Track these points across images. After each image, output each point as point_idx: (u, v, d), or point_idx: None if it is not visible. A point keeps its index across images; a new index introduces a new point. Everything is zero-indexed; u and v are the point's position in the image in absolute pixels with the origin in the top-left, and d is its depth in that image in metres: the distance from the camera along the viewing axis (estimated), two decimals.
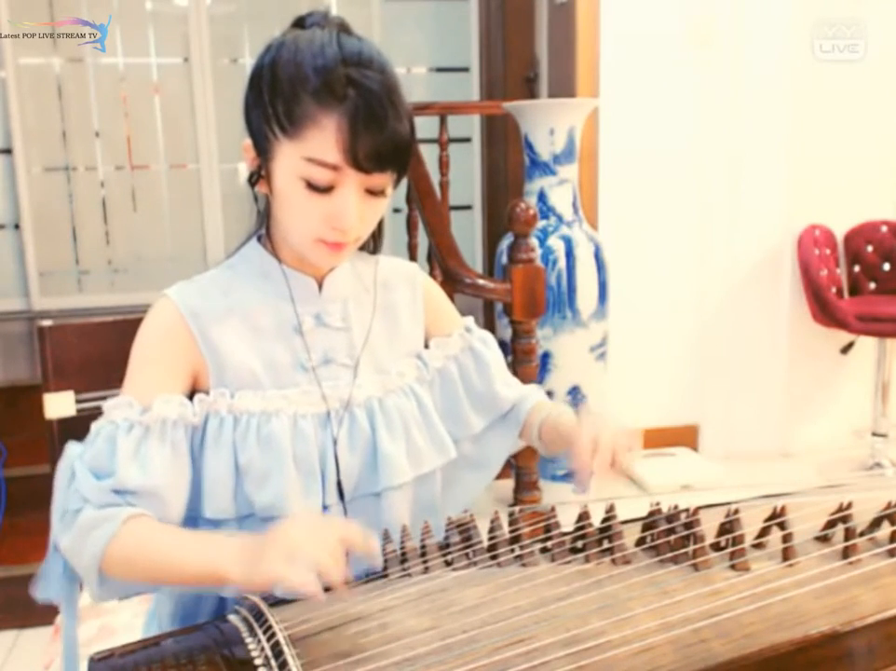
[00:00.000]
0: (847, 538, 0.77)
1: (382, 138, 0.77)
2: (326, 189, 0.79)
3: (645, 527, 0.80)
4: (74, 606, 0.93)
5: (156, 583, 0.79)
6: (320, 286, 0.90)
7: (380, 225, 0.93)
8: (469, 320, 1.04)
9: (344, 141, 0.76)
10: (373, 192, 0.82)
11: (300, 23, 0.85)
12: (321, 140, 0.77)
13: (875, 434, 2.83)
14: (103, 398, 1.03)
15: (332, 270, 0.90)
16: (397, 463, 0.89)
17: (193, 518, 0.85)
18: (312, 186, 0.79)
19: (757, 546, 0.78)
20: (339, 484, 0.88)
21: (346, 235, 0.82)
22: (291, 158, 0.79)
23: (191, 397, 0.85)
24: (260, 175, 0.85)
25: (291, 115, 0.78)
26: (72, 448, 0.82)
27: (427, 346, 0.99)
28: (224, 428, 0.84)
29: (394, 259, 1.01)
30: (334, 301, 0.91)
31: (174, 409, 0.81)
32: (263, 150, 0.83)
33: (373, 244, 0.96)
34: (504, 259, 2.15)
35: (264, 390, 0.85)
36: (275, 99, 0.79)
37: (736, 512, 0.79)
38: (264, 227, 0.90)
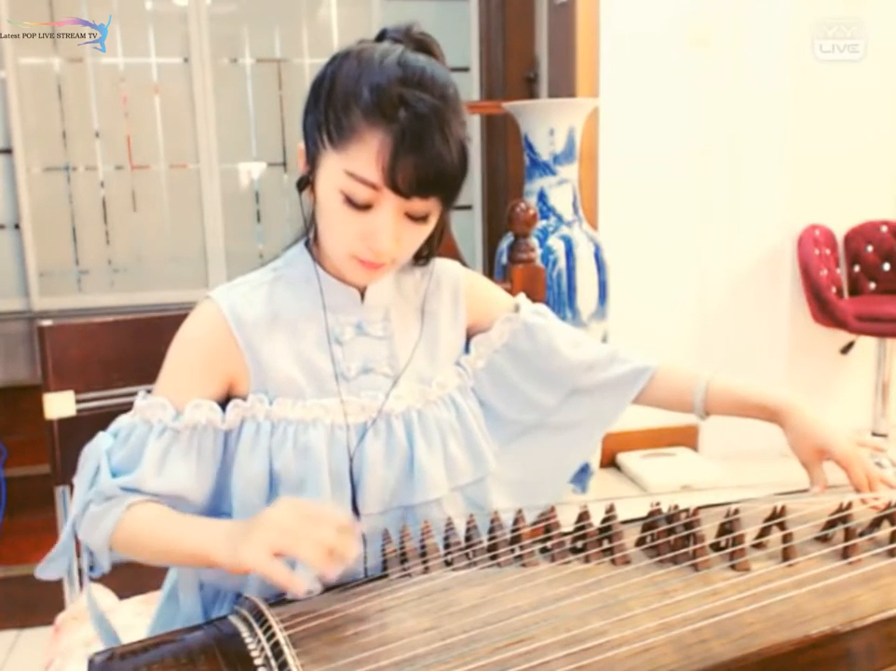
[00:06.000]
0: (847, 538, 0.77)
1: (423, 163, 0.75)
2: (364, 207, 0.78)
3: (645, 527, 0.80)
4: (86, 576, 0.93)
5: (157, 564, 0.81)
6: (363, 295, 0.89)
7: (434, 239, 0.90)
8: (520, 297, 1.02)
9: (384, 160, 0.74)
10: (414, 217, 0.80)
11: (380, 36, 0.83)
12: (363, 156, 0.75)
13: (875, 434, 2.83)
14: (103, 398, 1.04)
15: None
16: (433, 477, 0.88)
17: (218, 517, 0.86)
18: (350, 202, 0.78)
19: (757, 546, 0.78)
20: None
21: (379, 256, 0.80)
22: (333, 170, 0.78)
23: (226, 401, 0.85)
24: (308, 182, 0.83)
25: (340, 126, 0.77)
26: (101, 440, 0.83)
27: (468, 350, 0.97)
28: (261, 433, 0.84)
29: (435, 261, 0.97)
30: (376, 310, 0.90)
31: (204, 414, 0.82)
32: (311, 157, 0.82)
33: (424, 259, 0.94)
34: (504, 259, 2.15)
35: (304, 399, 0.85)
36: (328, 108, 0.78)
37: (736, 512, 0.79)
38: (312, 233, 0.89)
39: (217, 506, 0.86)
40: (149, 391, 0.85)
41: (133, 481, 0.80)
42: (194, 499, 0.83)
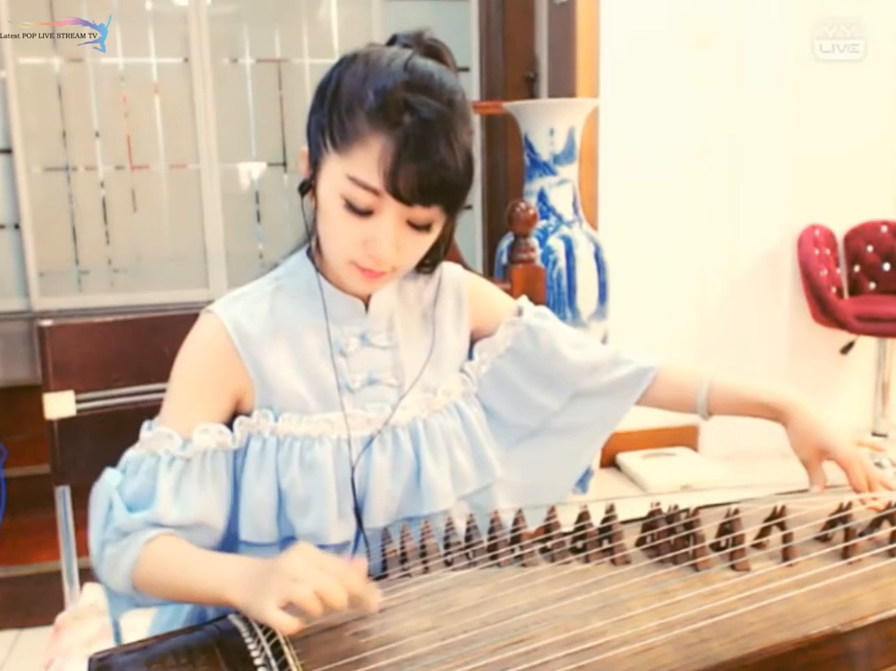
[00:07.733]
0: (847, 538, 0.77)
1: (426, 170, 0.73)
2: (365, 213, 0.76)
3: (645, 528, 0.80)
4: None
5: (175, 601, 0.80)
6: (366, 304, 0.87)
7: (440, 248, 0.88)
8: (522, 300, 1.00)
9: (386, 166, 0.73)
10: (416, 225, 0.78)
11: (391, 41, 0.82)
12: (365, 161, 0.74)
13: (875, 434, 2.83)
14: (103, 398, 1.04)
15: None
16: (441, 488, 0.87)
17: (233, 540, 0.84)
18: (351, 207, 0.76)
19: (757, 546, 0.78)
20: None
21: (380, 264, 0.78)
22: (335, 174, 0.77)
23: (233, 418, 0.84)
24: (310, 185, 0.82)
25: (344, 129, 0.75)
26: (110, 477, 0.80)
27: (472, 356, 0.96)
28: (267, 450, 0.83)
29: (440, 267, 0.95)
30: (380, 319, 0.89)
31: (213, 438, 0.81)
32: (314, 160, 0.80)
33: (429, 267, 0.92)
34: (504, 259, 2.15)
35: (309, 413, 0.84)
36: (332, 111, 0.76)
37: (736, 512, 0.79)
38: (313, 240, 0.87)
39: (235, 530, 0.84)
40: (151, 421, 0.83)
41: (151, 516, 0.77)
42: (215, 525, 0.81)
